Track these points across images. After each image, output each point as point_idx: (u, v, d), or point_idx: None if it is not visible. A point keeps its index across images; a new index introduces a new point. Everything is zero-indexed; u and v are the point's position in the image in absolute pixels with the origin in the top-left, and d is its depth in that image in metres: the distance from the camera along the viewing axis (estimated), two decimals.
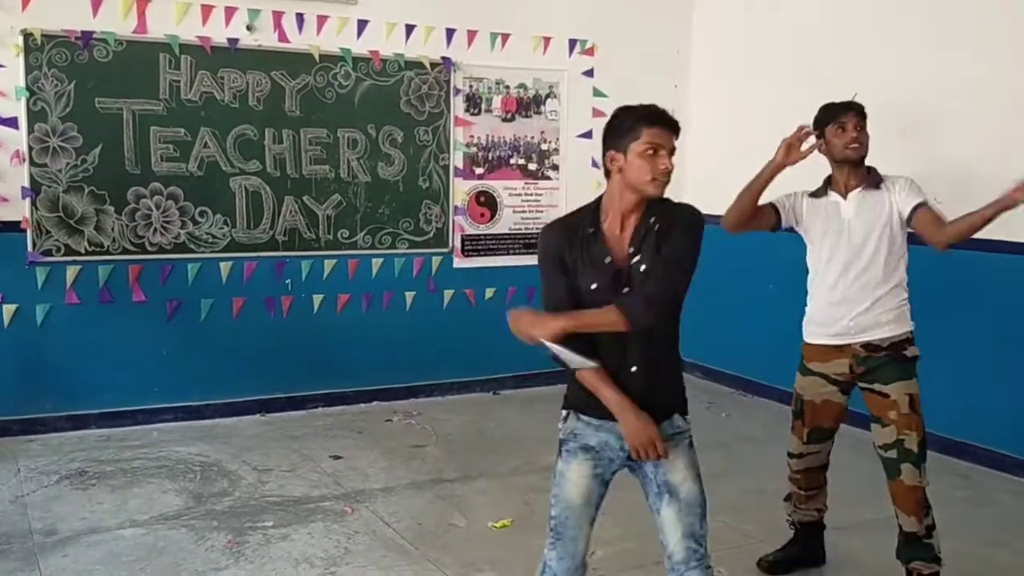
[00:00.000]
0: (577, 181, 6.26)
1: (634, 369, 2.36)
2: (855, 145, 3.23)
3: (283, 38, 5.40)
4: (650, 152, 2.31)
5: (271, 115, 5.42)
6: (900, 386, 3.20)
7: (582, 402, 2.41)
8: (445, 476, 4.60)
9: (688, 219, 2.39)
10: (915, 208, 3.19)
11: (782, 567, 3.56)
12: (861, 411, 3.42)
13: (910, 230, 3.25)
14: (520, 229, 6.24)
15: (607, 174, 2.41)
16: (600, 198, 2.44)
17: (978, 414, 4.83)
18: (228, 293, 5.44)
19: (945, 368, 4.71)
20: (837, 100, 3.34)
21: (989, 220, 3.03)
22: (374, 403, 5.83)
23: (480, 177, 6.12)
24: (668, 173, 2.33)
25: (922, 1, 5.09)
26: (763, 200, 3.33)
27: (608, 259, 2.36)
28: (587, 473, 2.41)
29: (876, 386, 3.24)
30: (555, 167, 6.33)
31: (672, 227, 2.35)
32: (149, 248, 5.21)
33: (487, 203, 6.16)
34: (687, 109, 6.68)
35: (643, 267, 2.35)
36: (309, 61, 5.48)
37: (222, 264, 5.40)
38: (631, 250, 2.36)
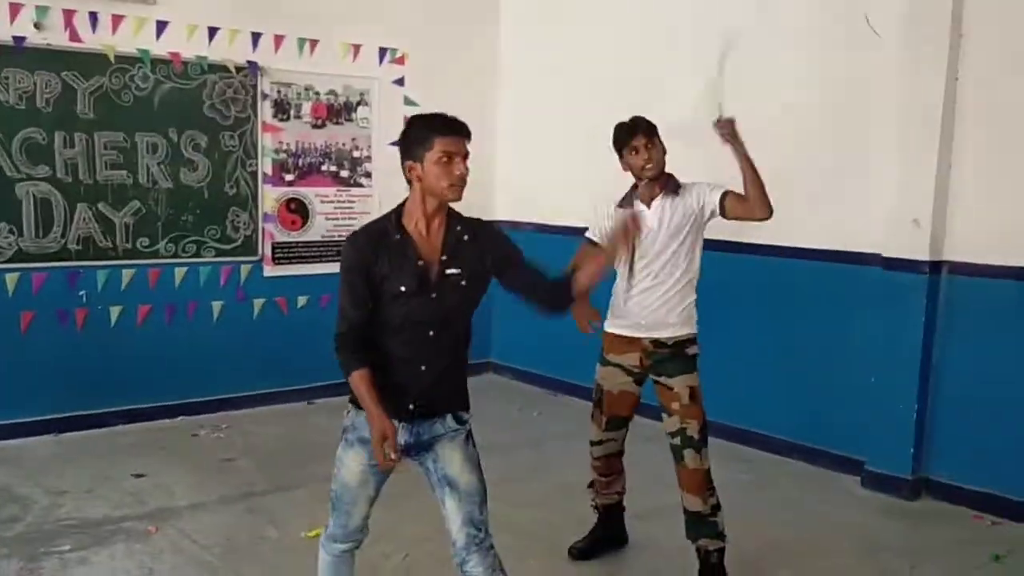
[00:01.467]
0: (390, 189, 6.23)
1: (423, 368, 2.51)
2: (649, 166, 3.47)
3: (75, 37, 5.12)
4: (444, 160, 2.44)
5: (62, 118, 5.12)
6: (682, 379, 3.49)
7: None
8: (256, 489, 4.52)
9: (494, 228, 2.61)
10: (723, 197, 3.45)
11: (589, 552, 3.79)
12: (655, 404, 3.67)
13: (730, 219, 3.50)
14: (333, 236, 6.21)
15: (408, 182, 2.53)
16: (401, 205, 2.56)
17: (759, 404, 5.28)
18: (16, 306, 5.09)
19: (731, 362, 5.12)
20: (630, 114, 3.56)
21: (748, 164, 3.35)
22: (180, 418, 5.62)
23: (291, 184, 6.04)
24: (463, 178, 2.47)
25: (712, 15, 5.48)
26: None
27: (420, 262, 2.48)
28: (362, 462, 2.57)
29: (662, 379, 3.52)
30: (368, 175, 6.34)
31: (485, 237, 2.56)
32: None
33: (298, 210, 6.08)
34: (495, 119, 6.87)
35: (463, 281, 2.50)
36: (104, 62, 5.22)
37: (8, 276, 5.04)
38: (444, 257, 2.49)
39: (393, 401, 2.47)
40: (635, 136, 3.48)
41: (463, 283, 2.51)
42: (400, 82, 6.38)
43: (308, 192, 6.10)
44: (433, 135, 2.44)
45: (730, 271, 4.94)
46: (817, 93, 4.95)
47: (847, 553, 3.97)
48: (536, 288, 2.58)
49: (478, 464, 2.61)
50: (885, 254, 4.65)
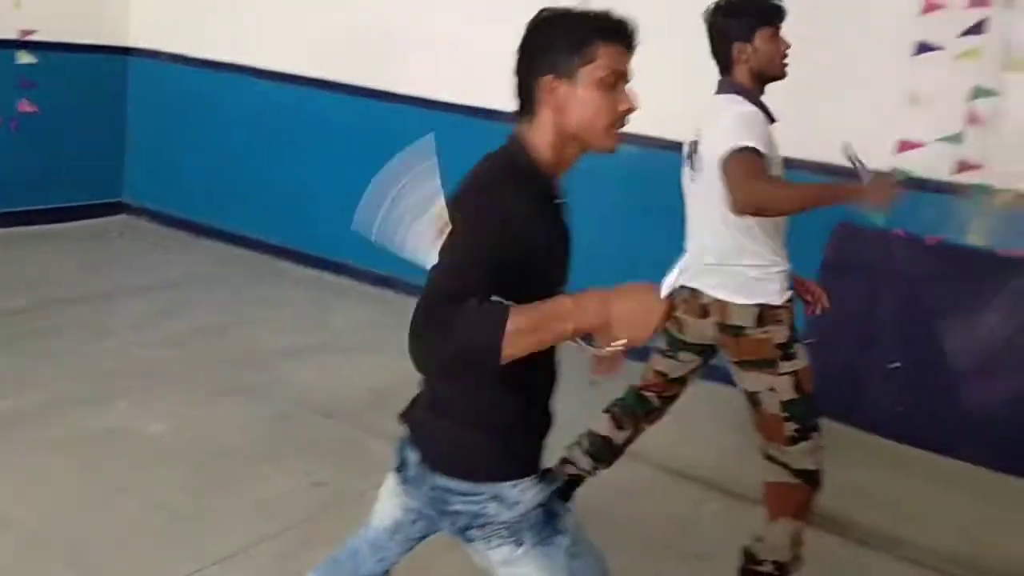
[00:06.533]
0: None
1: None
2: (787, 60, 2.48)
3: None
4: (611, 82, 1.53)
5: None
6: None
7: None
8: None
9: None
10: None
11: None
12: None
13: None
14: None
15: (531, 109, 1.58)
16: (517, 143, 1.59)
17: None
18: None
19: None
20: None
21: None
22: None
23: None
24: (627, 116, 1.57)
25: None
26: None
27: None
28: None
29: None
30: None
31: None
32: None
33: None
34: None
35: None
36: None
37: None
38: None
39: None
40: (782, 17, 2.46)
41: None
42: None
43: None
44: (598, 40, 1.51)
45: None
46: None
47: None
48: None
49: None
50: None
